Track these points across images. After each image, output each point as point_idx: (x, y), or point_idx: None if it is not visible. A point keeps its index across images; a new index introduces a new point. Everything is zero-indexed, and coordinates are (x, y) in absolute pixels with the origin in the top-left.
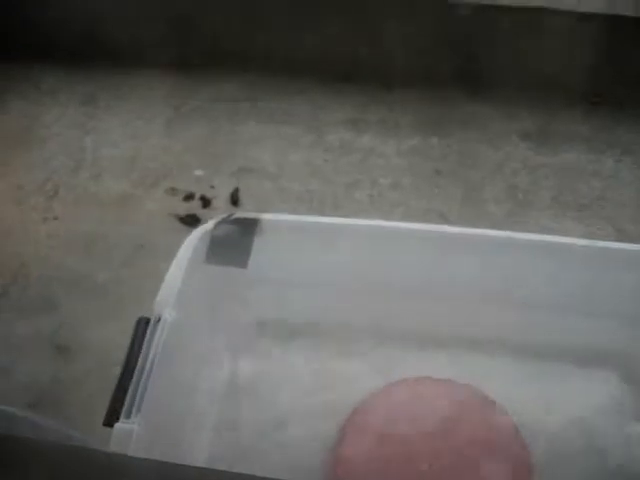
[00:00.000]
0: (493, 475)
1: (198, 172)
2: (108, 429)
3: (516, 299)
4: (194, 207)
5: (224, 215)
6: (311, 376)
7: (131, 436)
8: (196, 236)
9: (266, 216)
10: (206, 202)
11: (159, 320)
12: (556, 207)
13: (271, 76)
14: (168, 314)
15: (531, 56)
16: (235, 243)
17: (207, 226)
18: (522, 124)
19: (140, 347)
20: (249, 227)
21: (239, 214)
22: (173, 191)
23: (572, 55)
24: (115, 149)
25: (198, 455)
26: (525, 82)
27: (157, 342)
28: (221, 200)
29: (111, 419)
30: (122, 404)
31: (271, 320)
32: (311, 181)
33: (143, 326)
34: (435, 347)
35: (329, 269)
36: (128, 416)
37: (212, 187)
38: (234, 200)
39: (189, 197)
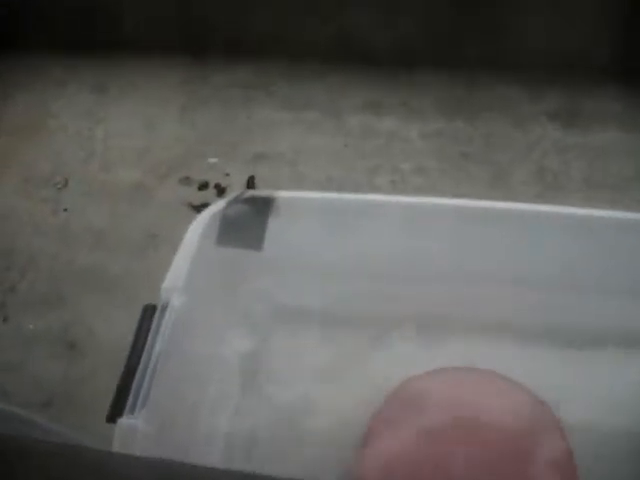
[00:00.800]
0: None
1: (212, 160)
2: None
3: (550, 281)
4: (209, 196)
5: (236, 194)
6: (332, 367)
7: (135, 433)
8: (206, 217)
9: (281, 194)
10: (221, 190)
11: (166, 307)
12: (588, 189)
13: (287, 60)
14: (176, 300)
15: (557, 33)
16: (248, 224)
17: (218, 206)
18: (550, 104)
19: (146, 336)
20: (263, 206)
21: (252, 192)
22: (187, 180)
23: (601, 30)
24: (126, 138)
25: (211, 452)
26: (552, 60)
27: (164, 330)
28: (237, 188)
29: (114, 414)
30: (126, 398)
31: (288, 306)
32: (330, 167)
33: (150, 314)
34: (467, 334)
35: (350, 251)
36: (132, 411)
37: (227, 175)
38: (250, 188)
39: (203, 186)
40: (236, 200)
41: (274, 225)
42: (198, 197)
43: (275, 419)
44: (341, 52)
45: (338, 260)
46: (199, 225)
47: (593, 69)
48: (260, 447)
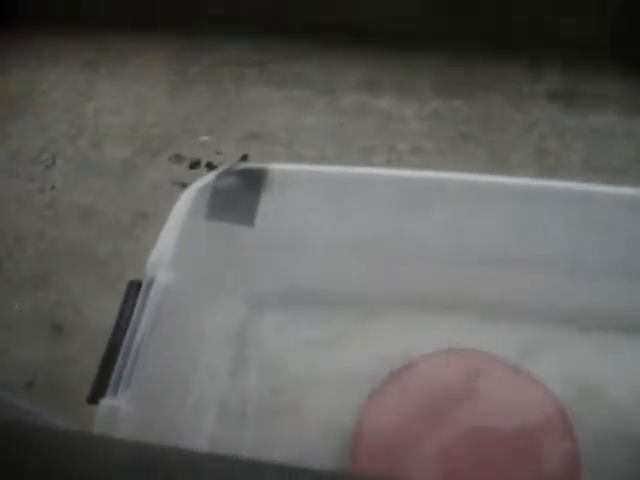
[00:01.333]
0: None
1: (204, 138)
2: None
3: (551, 261)
4: (200, 175)
5: (227, 166)
6: (326, 349)
7: (117, 414)
8: (195, 189)
9: (275, 167)
10: (213, 169)
11: (152, 283)
12: (587, 171)
13: (281, 37)
14: (163, 276)
15: (558, 14)
16: (240, 198)
17: (208, 178)
18: (550, 86)
19: (131, 313)
20: (256, 179)
21: (244, 164)
22: (178, 158)
23: (602, 12)
24: (116, 116)
25: (198, 437)
26: (553, 42)
27: (150, 307)
28: None
29: (96, 395)
30: (109, 378)
31: (281, 286)
32: (325, 147)
33: (135, 290)
34: (465, 315)
35: (346, 227)
36: (115, 392)
37: (219, 153)
38: None
39: (195, 164)
40: (227, 172)
41: (267, 199)
42: (189, 175)
43: (267, 400)
44: (338, 29)
45: (333, 236)
46: (188, 198)
47: (594, 51)
48: (251, 430)
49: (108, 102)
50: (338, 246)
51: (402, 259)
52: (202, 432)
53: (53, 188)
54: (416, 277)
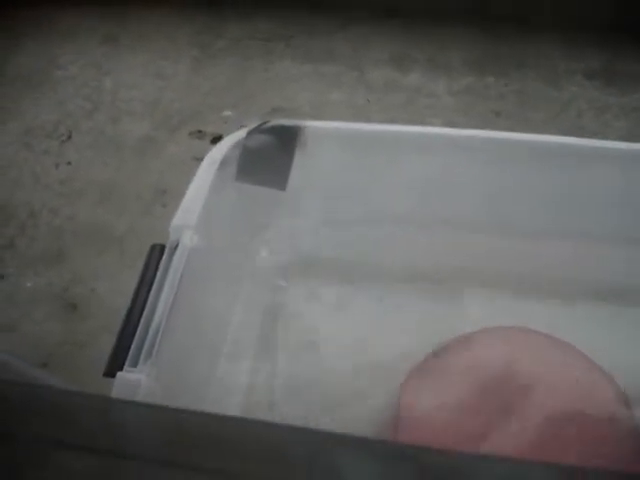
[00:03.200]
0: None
1: (227, 113)
2: None
3: (597, 232)
4: None
5: (258, 122)
6: (364, 324)
7: (138, 388)
8: (224, 148)
9: (310, 124)
10: None
11: (176, 246)
12: None
13: (308, 11)
14: (189, 239)
15: None
16: (272, 158)
17: (237, 135)
18: (587, 62)
19: (153, 278)
20: (289, 138)
21: (277, 121)
22: (199, 134)
23: None
24: (136, 90)
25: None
26: (590, 19)
27: (174, 272)
28: None
29: (114, 368)
30: (128, 348)
31: (316, 255)
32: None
33: (157, 254)
34: (513, 292)
35: (389, 193)
36: (135, 364)
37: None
38: None
39: (217, 139)
40: (258, 130)
41: (301, 160)
42: None
43: (297, 371)
44: (365, 3)
45: (374, 204)
46: (216, 157)
47: (633, 28)
48: (281, 404)
49: (127, 76)
50: (379, 213)
51: (437, 229)
52: (230, 407)
53: (69, 163)
54: (452, 248)
